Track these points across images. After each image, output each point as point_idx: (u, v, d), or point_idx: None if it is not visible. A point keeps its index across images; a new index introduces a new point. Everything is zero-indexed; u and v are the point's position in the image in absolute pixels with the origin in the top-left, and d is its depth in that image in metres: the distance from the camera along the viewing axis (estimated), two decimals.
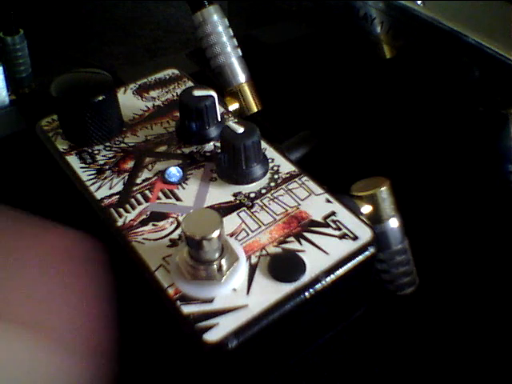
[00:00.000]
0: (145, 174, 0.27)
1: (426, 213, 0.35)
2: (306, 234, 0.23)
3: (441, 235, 0.35)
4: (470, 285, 0.34)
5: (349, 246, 0.22)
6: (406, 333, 0.36)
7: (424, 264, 0.31)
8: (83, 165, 0.27)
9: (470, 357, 0.34)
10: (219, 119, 0.28)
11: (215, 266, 0.21)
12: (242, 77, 0.37)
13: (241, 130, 0.25)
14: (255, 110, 0.38)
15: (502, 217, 0.32)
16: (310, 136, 0.34)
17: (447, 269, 0.35)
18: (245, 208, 0.25)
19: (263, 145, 0.27)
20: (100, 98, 0.27)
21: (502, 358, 0.33)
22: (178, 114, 0.29)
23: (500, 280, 0.33)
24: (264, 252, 0.22)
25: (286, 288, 0.21)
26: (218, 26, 0.36)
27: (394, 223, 0.29)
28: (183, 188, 0.26)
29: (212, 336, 0.20)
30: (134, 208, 0.25)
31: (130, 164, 0.27)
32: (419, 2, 0.33)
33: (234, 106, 0.36)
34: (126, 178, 0.26)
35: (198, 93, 0.27)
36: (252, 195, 0.25)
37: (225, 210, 0.25)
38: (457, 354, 0.35)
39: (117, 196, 0.26)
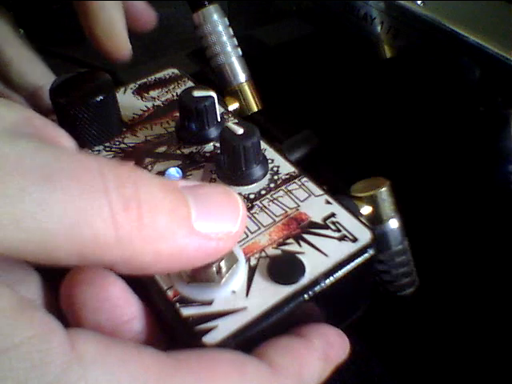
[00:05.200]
0: None
1: (426, 213, 0.35)
2: (305, 235, 0.23)
3: (441, 236, 0.35)
4: (471, 285, 0.34)
5: (348, 248, 0.22)
6: (406, 333, 0.36)
7: (424, 264, 0.31)
8: None
9: (470, 357, 0.34)
10: (219, 119, 0.28)
11: (214, 268, 0.20)
12: (242, 76, 0.37)
13: (240, 131, 0.25)
14: (255, 109, 0.38)
15: (502, 217, 0.32)
16: (311, 136, 0.34)
17: (447, 269, 0.35)
18: None
19: (263, 145, 0.27)
20: (99, 99, 0.26)
21: (502, 358, 0.33)
22: (178, 115, 0.28)
23: (500, 280, 0.33)
24: (263, 254, 0.22)
25: (285, 290, 0.21)
26: (218, 26, 0.36)
27: (393, 224, 0.29)
28: None
29: (211, 338, 0.19)
30: None
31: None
32: (419, 2, 0.33)
33: (234, 106, 0.36)
34: None
35: (197, 93, 0.27)
36: (251, 196, 0.25)
37: None
38: (457, 354, 0.35)
39: None
